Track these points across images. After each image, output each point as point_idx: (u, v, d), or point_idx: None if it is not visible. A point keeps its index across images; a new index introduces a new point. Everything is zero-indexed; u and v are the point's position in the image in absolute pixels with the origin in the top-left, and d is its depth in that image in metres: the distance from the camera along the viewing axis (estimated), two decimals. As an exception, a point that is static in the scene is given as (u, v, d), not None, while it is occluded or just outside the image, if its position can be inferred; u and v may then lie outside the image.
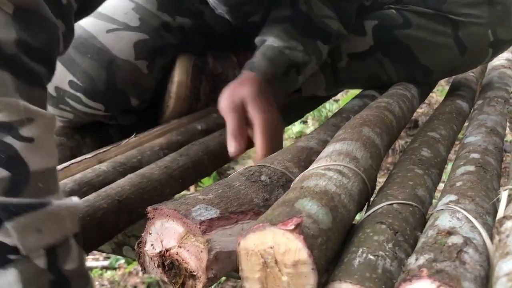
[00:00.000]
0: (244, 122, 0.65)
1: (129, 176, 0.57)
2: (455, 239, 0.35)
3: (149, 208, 0.40)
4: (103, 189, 0.53)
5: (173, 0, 0.84)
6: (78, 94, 0.71)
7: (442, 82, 2.26)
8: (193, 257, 0.38)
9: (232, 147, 0.64)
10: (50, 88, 0.71)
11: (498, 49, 0.80)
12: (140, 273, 1.70)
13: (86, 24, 0.72)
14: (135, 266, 1.71)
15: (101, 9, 0.74)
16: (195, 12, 0.86)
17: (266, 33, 0.75)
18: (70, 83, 0.70)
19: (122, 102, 0.75)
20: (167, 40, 0.79)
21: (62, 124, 0.78)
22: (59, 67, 0.69)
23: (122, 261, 1.72)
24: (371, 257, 0.35)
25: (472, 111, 0.77)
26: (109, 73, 0.71)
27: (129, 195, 0.53)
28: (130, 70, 0.74)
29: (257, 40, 0.75)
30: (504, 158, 0.61)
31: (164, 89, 0.80)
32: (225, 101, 0.65)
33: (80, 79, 0.70)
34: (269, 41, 0.73)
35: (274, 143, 0.64)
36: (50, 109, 0.74)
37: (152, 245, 0.40)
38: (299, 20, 0.75)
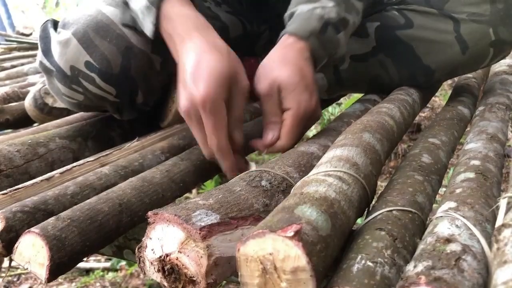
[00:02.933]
0: (280, 107, 0.63)
1: (130, 179, 0.57)
2: (453, 247, 0.35)
3: (150, 213, 0.41)
4: (104, 193, 0.53)
5: None
6: (93, 75, 0.72)
7: (445, 86, 2.26)
8: (193, 262, 0.38)
9: (268, 136, 0.64)
10: (65, 67, 0.72)
11: (499, 49, 0.79)
12: (142, 275, 1.70)
13: (108, 12, 0.73)
14: (137, 268, 1.72)
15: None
16: (212, 16, 0.87)
17: (293, 5, 0.72)
18: (86, 63, 0.71)
19: (132, 90, 0.76)
20: None
21: (70, 106, 0.79)
22: (77, 47, 0.71)
23: (123, 262, 1.73)
24: (370, 263, 0.35)
25: (473, 117, 0.77)
26: (125, 59, 0.72)
27: (130, 199, 0.53)
28: (144, 61, 0.74)
29: (286, 15, 0.72)
30: (506, 164, 0.61)
31: (167, 94, 0.81)
32: (262, 85, 0.64)
33: (97, 60, 0.71)
34: (298, 10, 0.70)
35: (299, 135, 0.63)
36: (62, 88, 0.75)
37: (152, 249, 0.40)
38: None
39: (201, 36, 0.62)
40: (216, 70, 0.58)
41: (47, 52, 0.74)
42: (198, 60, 0.59)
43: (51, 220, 0.46)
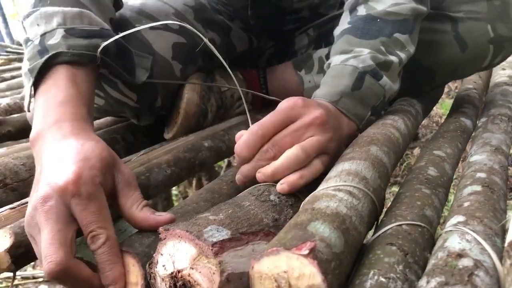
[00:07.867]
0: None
1: (199, 191, 0.57)
2: (465, 262, 0.35)
3: (161, 229, 0.41)
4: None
5: (207, 13, 0.88)
6: (116, 80, 0.72)
7: (443, 95, 2.27)
8: (205, 278, 0.38)
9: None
10: None
11: (499, 47, 0.79)
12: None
13: (130, 18, 0.74)
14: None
15: (145, 8, 0.78)
16: (225, 28, 0.90)
17: (331, 54, 0.70)
18: None
19: (152, 96, 0.77)
20: (200, 49, 0.80)
21: None
22: None
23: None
24: (383, 279, 0.35)
25: (476, 129, 0.77)
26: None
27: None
28: (165, 67, 0.76)
29: (325, 66, 0.71)
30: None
31: (173, 105, 0.81)
32: (286, 103, 0.56)
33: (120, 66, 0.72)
34: (332, 62, 0.68)
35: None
36: None
37: (163, 266, 0.40)
38: (358, 26, 0.69)
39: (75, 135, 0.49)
40: (91, 152, 0.46)
41: None
42: (68, 149, 0.46)
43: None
